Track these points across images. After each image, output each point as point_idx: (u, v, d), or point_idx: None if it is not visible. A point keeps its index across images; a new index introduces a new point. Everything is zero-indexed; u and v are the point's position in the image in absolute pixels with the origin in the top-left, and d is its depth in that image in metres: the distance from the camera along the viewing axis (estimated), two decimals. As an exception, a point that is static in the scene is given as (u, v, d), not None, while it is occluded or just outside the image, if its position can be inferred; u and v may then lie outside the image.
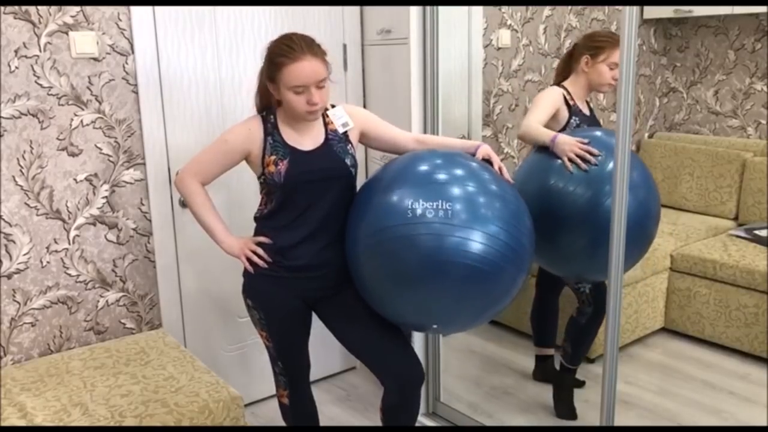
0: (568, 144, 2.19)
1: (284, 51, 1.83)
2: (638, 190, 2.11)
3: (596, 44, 2.50)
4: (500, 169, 1.97)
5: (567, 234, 2.18)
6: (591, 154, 2.15)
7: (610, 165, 2.07)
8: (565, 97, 2.51)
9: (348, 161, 1.96)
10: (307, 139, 1.96)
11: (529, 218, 1.93)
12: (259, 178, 1.99)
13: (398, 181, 1.87)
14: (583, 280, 2.60)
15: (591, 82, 2.54)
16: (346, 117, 2.00)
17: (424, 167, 1.89)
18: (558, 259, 2.30)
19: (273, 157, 1.92)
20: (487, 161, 2.00)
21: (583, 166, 2.15)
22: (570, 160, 2.17)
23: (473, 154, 2.00)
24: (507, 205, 1.86)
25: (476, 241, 1.76)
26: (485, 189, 1.85)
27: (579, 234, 2.17)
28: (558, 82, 2.59)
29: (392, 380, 2.06)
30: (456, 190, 1.81)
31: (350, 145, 1.99)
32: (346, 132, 2.00)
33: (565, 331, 2.73)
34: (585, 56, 2.51)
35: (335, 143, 1.97)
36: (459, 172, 1.87)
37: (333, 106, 2.02)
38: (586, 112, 2.57)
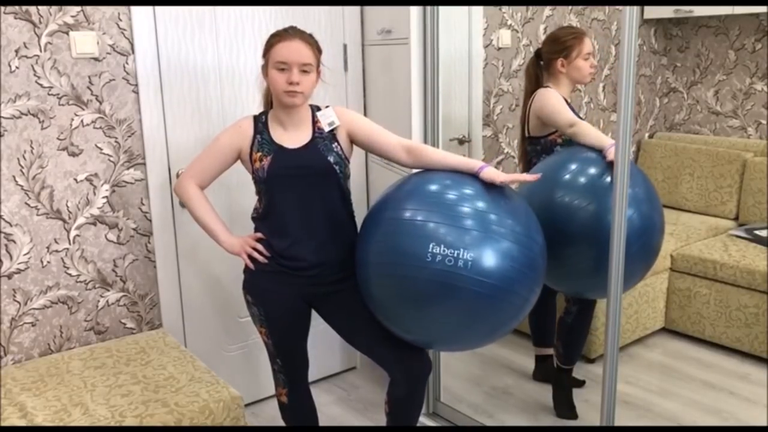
0: None
1: (277, 32, 1.96)
2: (642, 204, 2.10)
3: (564, 45, 2.54)
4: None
5: (572, 250, 2.15)
6: None
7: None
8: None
9: (331, 158, 1.98)
10: (294, 137, 2.00)
11: (542, 238, 1.92)
12: (252, 177, 2.03)
13: (412, 205, 1.87)
14: (584, 297, 2.59)
15: (573, 79, 2.58)
16: (333, 117, 2.03)
17: (434, 187, 1.89)
18: (561, 276, 2.24)
19: (259, 154, 1.98)
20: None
21: None
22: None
23: (476, 173, 1.92)
24: (519, 227, 1.84)
25: (487, 266, 1.75)
26: (497, 206, 1.84)
27: (585, 250, 2.15)
28: (533, 89, 2.60)
29: (400, 373, 2.07)
30: (466, 209, 1.81)
31: (336, 144, 2.01)
32: (333, 131, 2.02)
33: (556, 331, 2.74)
34: (558, 59, 2.54)
35: (320, 141, 2.00)
36: (468, 191, 1.86)
37: (326, 107, 2.06)
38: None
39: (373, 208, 2.00)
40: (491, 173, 1.88)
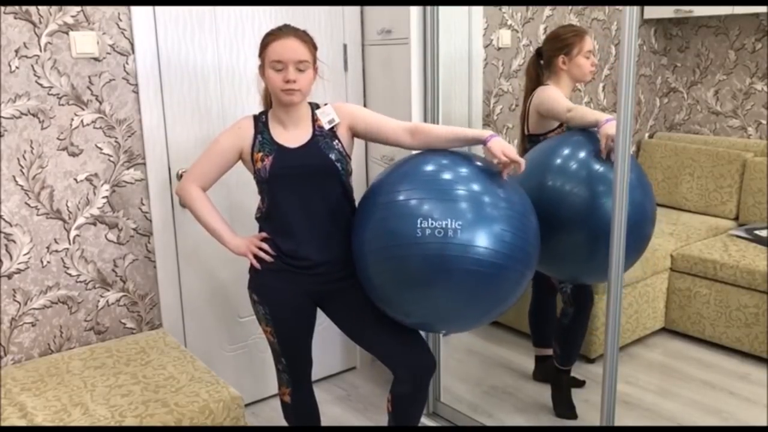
0: (613, 134, 2.09)
1: (272, 31, 1.95)
2: (634, 191, 2.10)
3: (565, 43, 2.54)
4: (513, 161, 1.89)
5: (565, 235, 2.17)
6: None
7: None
8: None
9: (333, 156, 1.99)
10: (295, 136, 2.00)
11: (535, 218, 1.95)
12: (253, 177, 2.03)
13: (406, 187, 1.88)
14: (580, 283, 2.60)
15: (574, 77, 2.58)
16: (332, 114, 2.04)
17: (430, 168, 1.91)
18: (554, 261, 2.27)
19: (260, 154, 1.98)
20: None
21: (603, 155, 2.12)
22: (607, 146, 2.12)
23: (484, 142, 1.93)
24: (512, 205, 1.87)
25: (481, 242, 1.78)
26: (490, 189, 1.86)
27: (577, 235, 2.16)
28: (533, 88, 2.61)
29: (405, 370, 2.07)
30: (461, 191, 1.83)
31: (337, 141, 2.02)
32: (333, 128, 2.03)
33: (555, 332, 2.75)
34: (560, 57, 2.55)
35: (321, 139, 2.00)
36: (463, 171, 1.88)
37: (325, 105, 2.06)
38: None
39: (367, 194, 2.01)
40: (499, 144, 1.90)
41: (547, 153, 2.30)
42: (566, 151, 2.24)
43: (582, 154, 2.19)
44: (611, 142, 2.09)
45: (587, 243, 2.14)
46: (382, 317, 2.03)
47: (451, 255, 1.78)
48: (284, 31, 1.93)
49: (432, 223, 1.77)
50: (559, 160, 2.22)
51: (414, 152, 2.06)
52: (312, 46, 1.96)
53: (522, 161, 1.90)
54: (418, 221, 1.78)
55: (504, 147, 1.90)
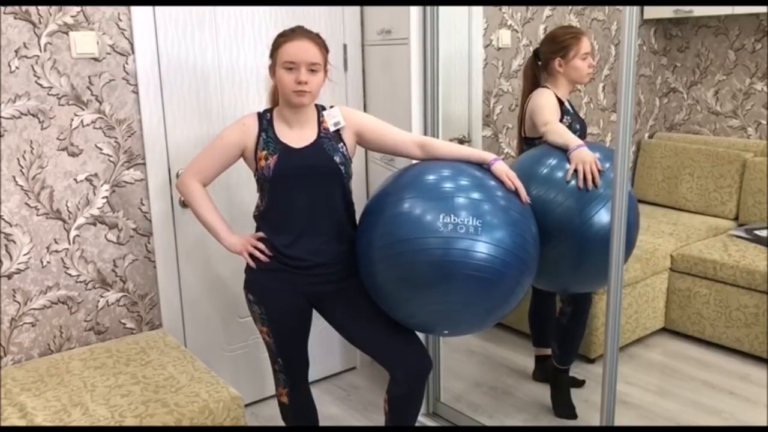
0: (587, 158, 2.08)
1: (285, 32, 1.96)
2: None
3: (562, 45, 2.54)
4: (517, 189, 1.94)
5: (551, 246, 2.11)
6: (594, 181, 2.07)
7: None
8: (556, 97, 2.54)
9: (337, 159, 1.99)
10: (300, 136, 2.00)
11: (535, 223, 1.95)
12: (254, 174, 2.03)
13: (414, 193, 1.91)
14: (570, 293, 2.59)
15: (571, 79, 2.57)
16: (339, 117, 2.04)
17: (433, 178, 1.93)
18: (542, 273, 2.15)
19: (264, 152, 1.98)
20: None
21: (581, 184, 2.07)
22: (576, 170, 2.08)
23: (488, 165, 1.98)
24: (512, 210, 1.88)
25: (482, 247, 1.79)
26: (491, 196, 1.88)
27: (563, 245, 2.12)
28: (530, 90, 2.61)
29: (402, 371, 2.08)
30: (461, 199, 1.85)
31: (342, 144, 2.02)
32: (338, 131, 2.03)
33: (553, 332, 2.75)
34: (556, 59, 2.54)
35: (326, 141, 2.01)
36: (464, 181, 1.90)
37: (332, 107, 2.07)
38: (570, 109, 2.61)
39: (373, 199, 2.02)
40: (502, 167, 1.96)
41: (531, 162, 2.27)
42: (551, 161, 2.20)
43: (567, 164, 2.16)
44: (588, 167, 2.06)
45: (574, 253, 2.12)
46: (378, 318, 2.03)
47: (454, 259, 1.79)
48: (298, 32, 1.94)
49: (454, 219, 1.80)
50: (544, 170, 2.19)
51: (416, 162, 2.08)
52: (324, 49, 1.97)
53: (521, 187, 1.96)
54: (441, 216, 1.81)
55: (507, 171, 1.96)
